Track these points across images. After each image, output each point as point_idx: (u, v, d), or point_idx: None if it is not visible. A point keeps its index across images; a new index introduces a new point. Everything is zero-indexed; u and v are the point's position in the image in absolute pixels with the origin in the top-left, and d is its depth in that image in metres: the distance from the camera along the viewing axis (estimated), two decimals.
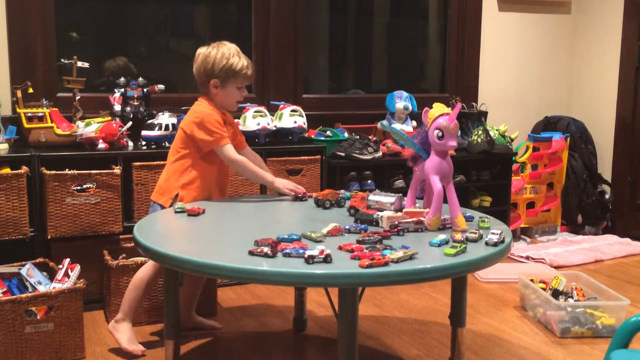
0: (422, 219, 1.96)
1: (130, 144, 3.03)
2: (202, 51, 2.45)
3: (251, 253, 1.69)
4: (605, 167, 4.48)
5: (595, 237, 4.23)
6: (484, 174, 3.87)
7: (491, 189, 3.92)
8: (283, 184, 2.48)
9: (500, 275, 3.33)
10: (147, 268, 2.42)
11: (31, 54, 3.13)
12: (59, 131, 2.94)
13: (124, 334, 2.41)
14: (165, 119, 2.99)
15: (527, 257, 3.70)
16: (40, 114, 2.92)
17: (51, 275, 2.49)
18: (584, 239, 4.15)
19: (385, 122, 3.74)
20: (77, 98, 3.03)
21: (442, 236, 1.82)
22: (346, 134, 3.64)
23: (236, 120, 3.25)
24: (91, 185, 2.72)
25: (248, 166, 2.45)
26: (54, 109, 2.98)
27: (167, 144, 3.00)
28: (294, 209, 2.34)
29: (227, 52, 2.42)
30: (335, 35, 4.32)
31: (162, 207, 2.40)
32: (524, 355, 2.45)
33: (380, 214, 2.00)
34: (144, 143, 3.02)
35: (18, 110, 2.92)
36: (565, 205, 4.34)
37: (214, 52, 2.42)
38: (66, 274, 2.40)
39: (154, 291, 2.66)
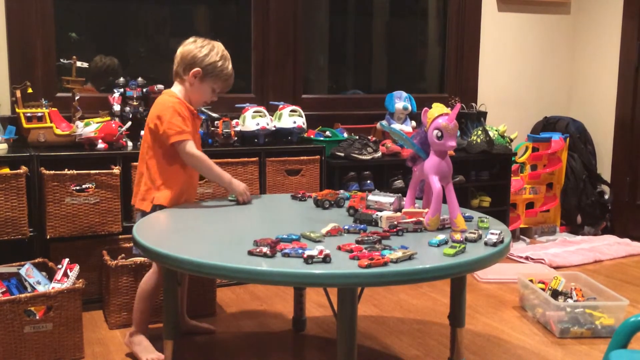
0: (421, 219, 1.96)
1: (130, 144, 3.03)
2: (196, 40, 2.40)
3: (250, 253, 1.69)
4: (604, 167, 4.49)
5: (595, 237, 4.23)
6: (483, 174, 3.87)
7: (490, 189, 3.92)
8: (240, 188, 2.39)
9: (499, 276, 3.33)
10: (150, 277, 2.38)
11: (30, 54, 3.13)
12: (58, 131, 2.93)
13: (140, 345, 2.37)
14: None
15: (527, 258, 3.70)
16: (39, 114, 2.91)
17: (50, 276, 2.49)
18: (583, 239, 4.15)
19: (384, 122, 3.74)
20: (77, 98, 3.03)
21: (441, 236, 1.82)
22: (345, 134, 3.64)
23: (235, 121, 3.27)
24: (90, 185, 2.72)
25: (206, 162, 2.36)
26: (53, 109, 2.98)
27: None
28: (293, 209, 2.34)
29: (221, 53, 2.39)
30: (335, 35, 4.32)
31: (145, 213, 2.32)
32: (523, 356, 2.45)
33: (380, 214, 2.00)
34: None
35: (17, 110, 2.92)
36: (564, 205, 4.34)
37: (208, 46, 2.38)
38: (65, 274, 2.40)
39: None
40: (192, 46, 2.38)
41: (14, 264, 2.50)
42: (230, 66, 2.41)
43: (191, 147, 2.32)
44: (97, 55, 3.43)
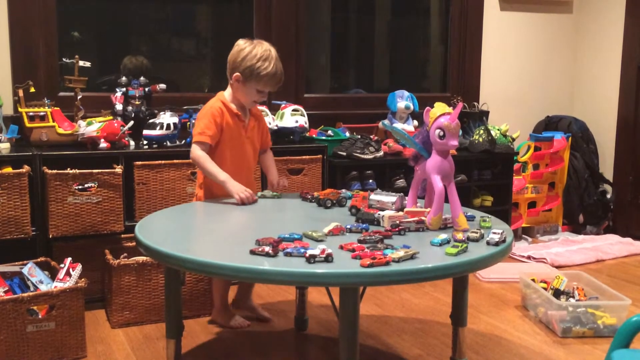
0: (423, 218, 1.96)
1: (132, 143, 3.03)
2: (240, 43, 2.48)
3: (252, 252, 1.69)
4: (606, 166, 4.48)
5: (597, 236, 4.23)
6: (485, 174, 3.86)
7: (492, 189, 3.92)
8: (235, 188, 2.37)
9: (501, 275, 3.33)
10: None
11: (33, 53, 3.13)
12: (60, 130, 2.94)
13: (221, 319, 2.66)
14: (166, 118, 3.00)
15: (529, 257, 3.70)
16: (42, 113, 2.92)
17: (53, 275, 2.50)
18: (585, 238, 4.15)
19: (386, 121, 3.74)
20: (79, 97, 3.03)
21: (443, 236, 1.82)
22: (347, 134, 3.64)
23: None
24: (93, 185, 2.72)
25: (205, 163, 2.42)
26: (55, 108, 2.98)
27: (168, 144, 3.01)
28: (295, 208, 2.34)
29: (260, 54, 2.43)
30: (337, 34, 4.32)
31: None
32: (525, 355, 2.45)
33: (382, 213, 2.00)
34: (145, 142, 3.02)
35: (20, 109, 2.92)
36: (566, 204, 4.34)
37: (249, 48, 2.44)
38: (68, 273, 2.41)
39: (155, 290, 2.67)
40: (234, 51, 2.48)
41: (16, 263, 2.51)
42: (271, 66, 2.43)
43: (195, 149, 2.43)
44: (126, 57, 3.43)
